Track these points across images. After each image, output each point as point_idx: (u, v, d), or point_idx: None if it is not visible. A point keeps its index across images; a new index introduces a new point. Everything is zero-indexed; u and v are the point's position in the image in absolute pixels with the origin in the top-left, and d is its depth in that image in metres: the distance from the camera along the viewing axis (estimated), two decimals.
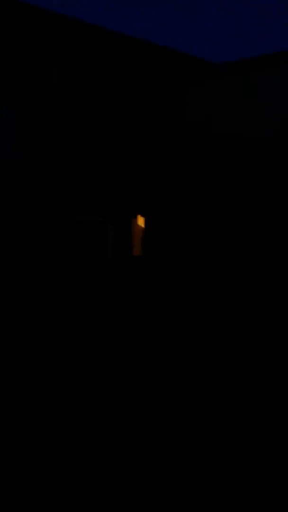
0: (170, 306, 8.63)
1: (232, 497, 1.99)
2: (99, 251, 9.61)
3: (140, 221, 10.45)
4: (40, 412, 3.14)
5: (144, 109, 10.28)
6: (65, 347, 5.24)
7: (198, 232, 10.10)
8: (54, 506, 1.88)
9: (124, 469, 2.25)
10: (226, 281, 9.79)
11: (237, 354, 4.98)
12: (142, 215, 10.30)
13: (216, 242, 9.96)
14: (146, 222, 10.25)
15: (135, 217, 10.41)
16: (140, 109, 10.30)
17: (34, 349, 5.07)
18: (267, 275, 9.42)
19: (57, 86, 8.30)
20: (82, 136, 9.21)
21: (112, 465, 2.28)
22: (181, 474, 2.20)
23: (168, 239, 10.33)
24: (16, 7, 7.62)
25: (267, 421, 2.94)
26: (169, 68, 10.51)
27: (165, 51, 9.99)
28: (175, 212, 10.47)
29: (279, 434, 2.72)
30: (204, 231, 10.07)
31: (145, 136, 10.34)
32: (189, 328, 6.50)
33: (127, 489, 2.04)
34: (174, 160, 10.29)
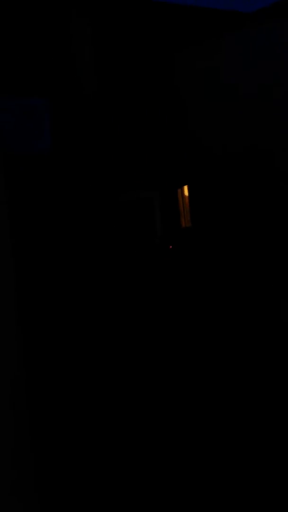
0: (219, 281, 8.42)
1: (232, 497, 1.98)
2: (148, 226, 9.45)
3: (186, 191, 10.15)
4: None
5: (179, 72, 9.85)
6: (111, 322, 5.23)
7: (246, 200, 9.70)
8: (54, 506, 1.88)
9: (124, 468, 2.21)
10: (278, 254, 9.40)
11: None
12: (189, 185, 10.00)
13: (265, 209, 9.54)
14: (191, 192, 9.94)
15: (181, 188, 10.11)
16: (174, 73, 9.88)
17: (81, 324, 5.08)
18: None
19: (82, 61, 8.03)
20: (117, 109, 8.99)
21: (112, 465, 2.25)
22: (181, 474, 2.18)
23: (216, 208, 9.99)
24: None
25: (267, 422, 2.85)
26: (200, 26, 9.97)
27: (191, 10, 9.46)
28: (221, 178, 10.08)
29: (279, 434, 2.64)
30: (251, 198, 9.66)
31: (184, 100, 9.94)
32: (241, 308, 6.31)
33: (127, 489, 2.02)
34: (215, 122, 9.85)
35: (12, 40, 7.52)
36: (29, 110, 7.66)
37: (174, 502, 1.95)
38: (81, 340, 4.75)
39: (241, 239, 9.82)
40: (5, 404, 1.71)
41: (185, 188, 10.14)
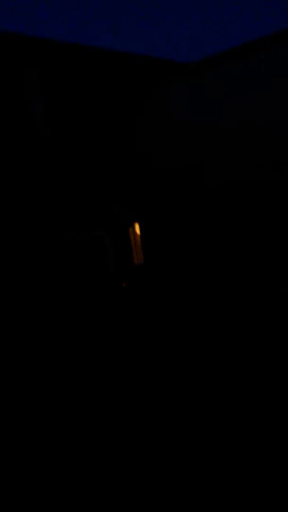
0: (173, 314, 8.51)
1: (232, 497, 1.95)
2: (100, 265, 9.49)
3: (138, 229, 10.34)
4: (42, 412, 3.13)
5: (137, 118, 10.21)
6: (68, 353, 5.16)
7: (197, 232, 9.99)
8: (54, 506, 1.85)
9: (124, 468, 2.18)
10: (231, 281, 9.65)
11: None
12: (139, 222, 10.19)
13: (219, 241, 9.85)
14: (143, 229, 10.13)
15: (133, 225, 10.29)
16: (132, 117, 10.23)
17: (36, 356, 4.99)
18: (272, 274, 9.29)
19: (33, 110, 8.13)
20: (70, 150, 9.15)
21: (112, 465, 2.22)
22: (181, 474, 2.14)
23: (168, 244, 10.20)
24: None
25: (267, 421, 2.84)
26: (149, 74, 10.47)
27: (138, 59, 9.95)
28: (172, 214, 10.37)
29: (280, 434, 2.61)
30: (204, 229, 9.96)
31: (138, 143, 10.26)
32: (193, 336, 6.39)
33: (127, 488, 1.99)
34: (166, 162, 10.21)
35: None
36: None
37: (174, 500, 1.90)
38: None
39: (195, 275, 10.02)
40: None
41: (136, 225, 10.32)
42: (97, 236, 9.49)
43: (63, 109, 9.07)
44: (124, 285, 9.75)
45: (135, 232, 10.34)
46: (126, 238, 10.07)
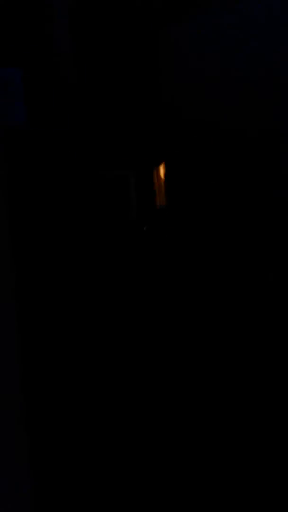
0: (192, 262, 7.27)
1: (232, 497, 1.92)
2: (123, 204, 9.91)
3: (163, 170, 9.18)
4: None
5: (161, 46, 8.51)
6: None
7: (223, 179, 7.99)
8: (53, 506, 1.83)
9: (124, 468, 2.13)
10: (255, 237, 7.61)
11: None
12: (164, 163, 9.08)
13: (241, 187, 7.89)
14: (167, 169, 9.01)
15: (157, 167, 9.27)
16: (156, 46, 8.66)
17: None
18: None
19: (59, 30, 8.74)
20: (94, 84, 9.50)
21: (112, 465, 2.25)
22: (181, 474, 2.09)
23: (193, 185, 8.56)
24: None
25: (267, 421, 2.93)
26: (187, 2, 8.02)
27: None
28: (198, 158, 8.26)
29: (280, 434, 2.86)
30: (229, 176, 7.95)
31: (163, 77, 8.68)
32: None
33: (127, 489, 1.99)
34: (196, 100, 8.17)
35: None
36: (1, 80, 9.26)
37: (174, 501, 1.92)
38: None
39: (217, 218, 8.36)
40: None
41: (161, 167, 9.12)
42: (123, 175, 9.85)
43: (91, 48, 9.56)
44: (145, 228, 9.83)
45: (159, 174, 9.27)
46: (150, 178, 9.48)
